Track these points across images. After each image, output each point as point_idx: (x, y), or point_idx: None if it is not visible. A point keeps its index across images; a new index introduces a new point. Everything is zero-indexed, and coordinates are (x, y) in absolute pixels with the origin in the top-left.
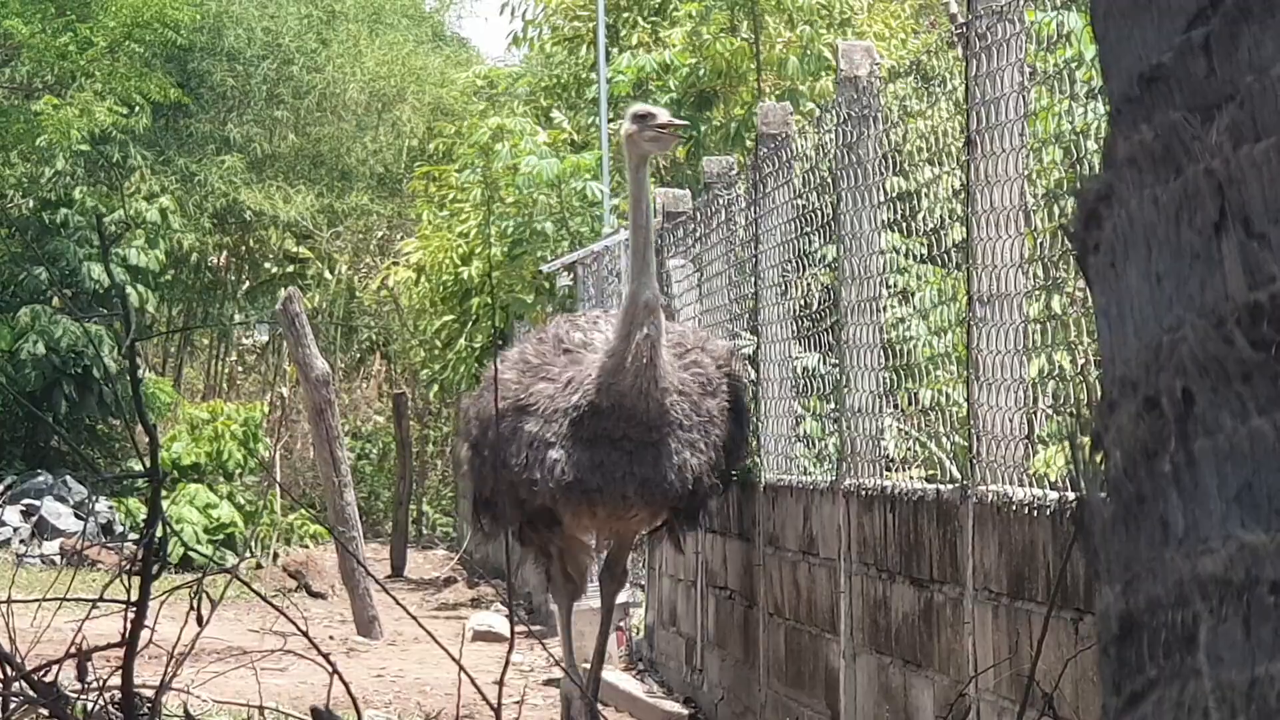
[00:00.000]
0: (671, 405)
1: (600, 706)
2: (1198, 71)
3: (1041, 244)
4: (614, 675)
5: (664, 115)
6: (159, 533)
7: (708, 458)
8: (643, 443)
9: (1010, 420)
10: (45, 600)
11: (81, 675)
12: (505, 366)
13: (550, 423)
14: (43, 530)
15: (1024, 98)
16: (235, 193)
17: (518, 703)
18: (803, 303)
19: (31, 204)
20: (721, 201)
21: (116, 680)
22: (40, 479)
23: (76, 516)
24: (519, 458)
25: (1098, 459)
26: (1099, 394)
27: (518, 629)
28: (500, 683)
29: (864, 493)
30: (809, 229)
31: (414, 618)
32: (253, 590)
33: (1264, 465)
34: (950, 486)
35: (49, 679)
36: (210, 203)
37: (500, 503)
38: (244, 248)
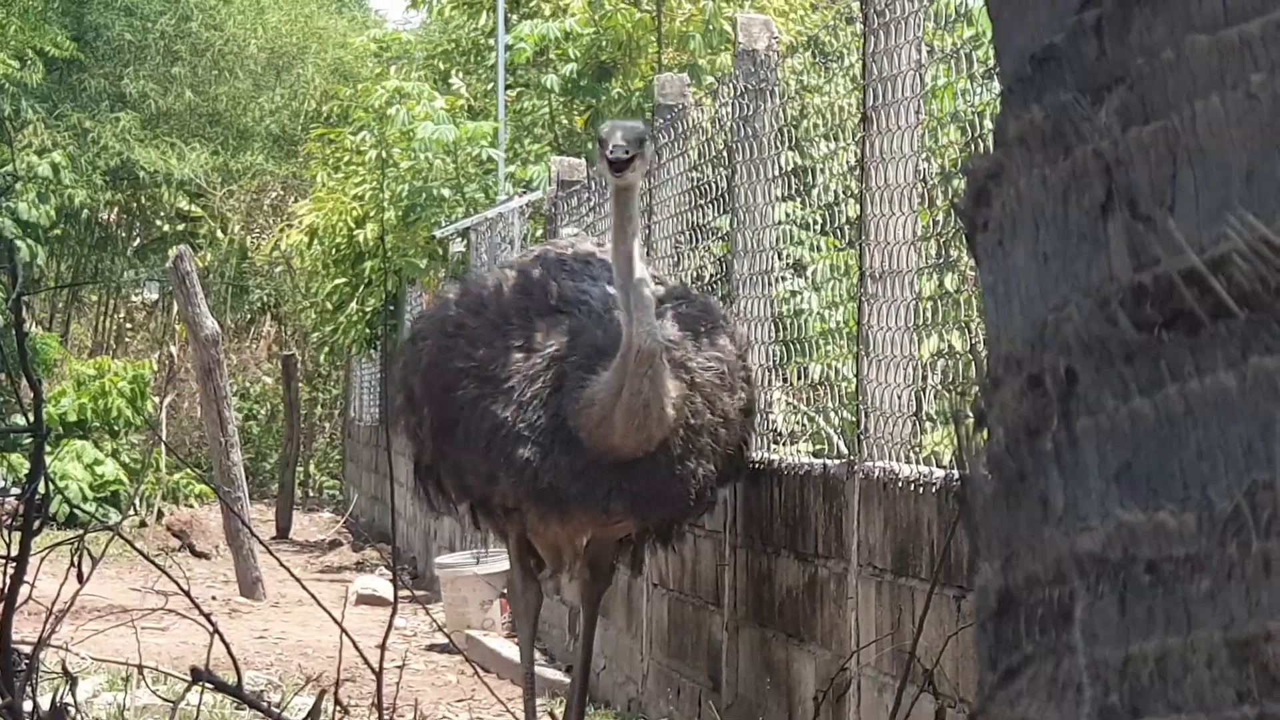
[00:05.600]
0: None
1: (482, 672)
2: (1089, 53)
3: (935, 222)
4: (496, 642)
5: (610, 142)
6: (41, 488)
7: (714, 466)
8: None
9: (899, 397)
10: None
11: None
12: (464, 310)
13: (525, 409)
14: None
15: (921, 75)
16: (130, 151)
17: (399, 667)
18: (695, 274)
19: None
20: None
21: None
22: None
23: None
24: (481, 444)
25: (981, 436)
26: (984, 371)
27: (401, 593)
28: (383, 646)
29: (751, 465)
30: (703, 201)
31: (298, 579)
32: (135, 548)
33: (1144, 445)
34: (837, 462)
35: None
36: (103, 160)
37: (446, 480)
38: (135, 204)
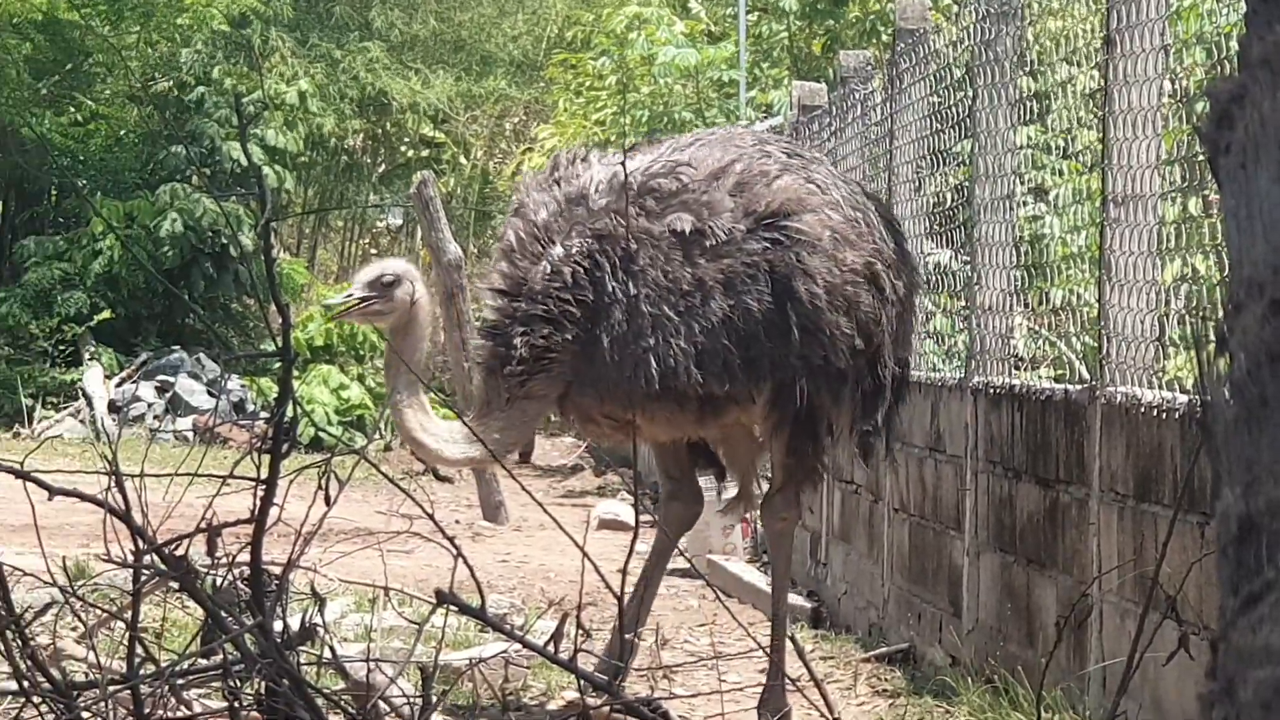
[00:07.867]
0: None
1: (723, 597)
2: None
3: (1179, 145)
4: (737, 566)
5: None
6: (289, 412)
7: (695, 344)
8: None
9: (1141, 322)
10: (177, 476)
11: (211, 550)
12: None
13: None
14: (176, 407)
15: None
16: (378, 80)
17: None
18: (936, 199)
19: (171, 83)
20: (857, 96)
21: (245, 556)
22: (175, 356)
23: (209, 394)
24: None
25: (1223, 361)
26: (1227, 296)
27: (643, 518)
28: (624, 571)
29: (992, 391)
30: (944, 126)
31: (540, 504)
32: (380, 472)
33: None
34: (1079, 387)
35: (180, 553)
36: (352, 90)
37: None
38: (381, 131)
